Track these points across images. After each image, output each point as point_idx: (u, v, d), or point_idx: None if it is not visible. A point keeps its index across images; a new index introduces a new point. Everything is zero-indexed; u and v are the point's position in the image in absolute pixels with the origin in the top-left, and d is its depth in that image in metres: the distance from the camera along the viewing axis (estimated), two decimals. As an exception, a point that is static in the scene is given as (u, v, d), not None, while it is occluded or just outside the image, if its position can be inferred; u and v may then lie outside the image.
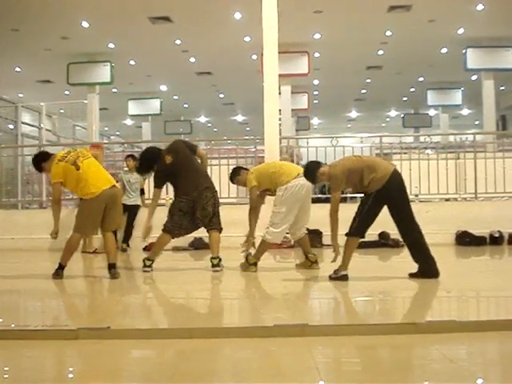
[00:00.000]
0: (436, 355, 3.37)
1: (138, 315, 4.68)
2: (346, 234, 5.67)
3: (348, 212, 5.64)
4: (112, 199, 6.22)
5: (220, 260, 6.62)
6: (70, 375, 3.26)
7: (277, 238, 6.56)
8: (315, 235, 8.76)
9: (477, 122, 26.20)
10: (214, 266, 6.59)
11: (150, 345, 3.64)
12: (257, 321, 4.33)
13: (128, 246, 9.73)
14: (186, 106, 25.04)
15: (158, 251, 6.82)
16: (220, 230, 6.73)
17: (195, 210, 6.57)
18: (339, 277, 5.65)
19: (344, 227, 5.65)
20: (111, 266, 6.23)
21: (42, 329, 3.81)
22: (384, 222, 8.51)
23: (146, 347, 3.62)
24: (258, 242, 6.68)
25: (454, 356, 3.36)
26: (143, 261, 6.70)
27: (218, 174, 9.26)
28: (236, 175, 6.99)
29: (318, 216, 6.63)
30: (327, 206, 5.69)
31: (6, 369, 3.33)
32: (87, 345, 3.62)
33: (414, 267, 5.67)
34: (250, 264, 6.56)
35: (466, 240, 9.23)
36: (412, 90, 22.87)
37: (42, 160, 6.37)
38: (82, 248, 9.30)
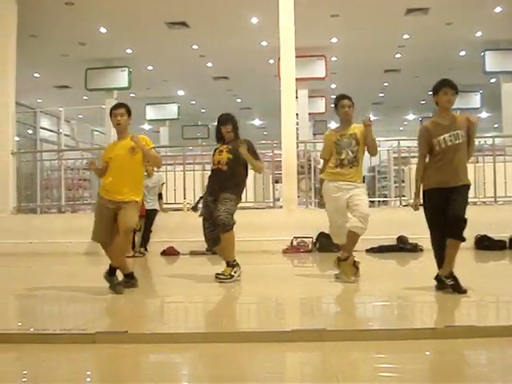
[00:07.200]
0: (454, 361, 3.34)
1: (156, 319, 4.70)
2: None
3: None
4: None
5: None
6: (88, 379, 3.27)
7: None
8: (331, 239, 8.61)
9: (496, 125, 25.93)
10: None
11: (167, 349, 3.64)
12: (274, 325, 4.31)
13: (146, 250, 9.79)
14: (203, 110, 25.04)
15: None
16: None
17: None
18: None
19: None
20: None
21: (60, 333, 3.83)
22: (402, 226, 8.50)
23: (163, 351, 3.62)
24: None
25: (473, 361, 3.32)
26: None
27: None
28: None
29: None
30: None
31: (24, 372, 3.35)
32: (105, 349, 3.63)
33: (432, 271, 5.57)
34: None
35: (485, 244, 9.13)
36: (430, 93, 22.53)
37: None
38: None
